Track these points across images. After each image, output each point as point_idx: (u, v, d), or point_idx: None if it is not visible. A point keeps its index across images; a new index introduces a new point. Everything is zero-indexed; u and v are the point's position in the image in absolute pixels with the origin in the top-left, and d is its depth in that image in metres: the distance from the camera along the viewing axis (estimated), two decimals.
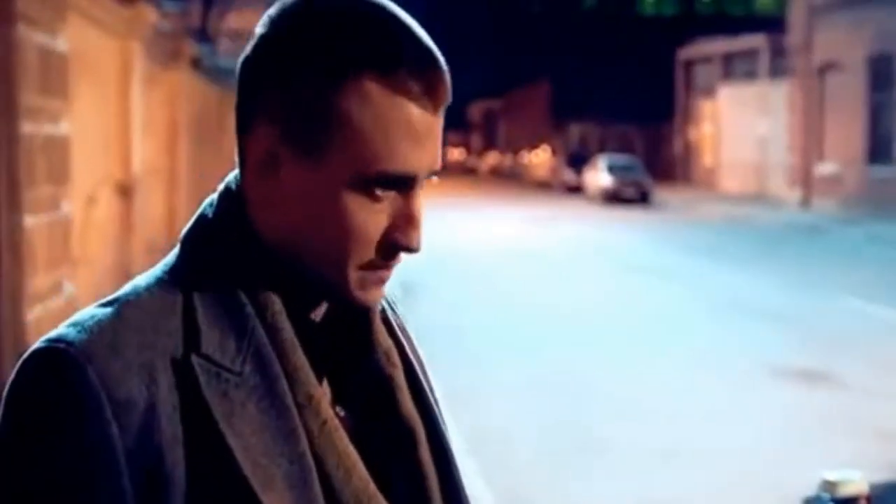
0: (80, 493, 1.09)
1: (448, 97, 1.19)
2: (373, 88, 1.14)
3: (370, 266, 1.19)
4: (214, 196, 1.26)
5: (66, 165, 7.31)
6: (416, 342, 1.41)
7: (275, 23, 1.19)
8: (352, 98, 1.14)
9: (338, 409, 1.22)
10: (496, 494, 6.75)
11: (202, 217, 1.25)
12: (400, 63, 1.15)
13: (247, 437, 1.13)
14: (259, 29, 1.21)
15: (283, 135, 1.17)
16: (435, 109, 1.18)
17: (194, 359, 1.14)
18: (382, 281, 1.22)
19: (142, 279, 1.22)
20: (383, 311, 1.32)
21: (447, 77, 1.19)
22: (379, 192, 1.17)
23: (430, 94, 1.17)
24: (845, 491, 3.48)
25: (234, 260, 1.20)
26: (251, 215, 1.21)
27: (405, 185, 1.18)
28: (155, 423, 1.11)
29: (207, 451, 1.12)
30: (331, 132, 1.15)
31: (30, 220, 6.40)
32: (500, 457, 7.63)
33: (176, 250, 1.24)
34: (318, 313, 1.23)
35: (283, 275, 1.20)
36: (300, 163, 1.17)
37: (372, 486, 1.20)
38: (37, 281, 6.55)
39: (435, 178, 1.22)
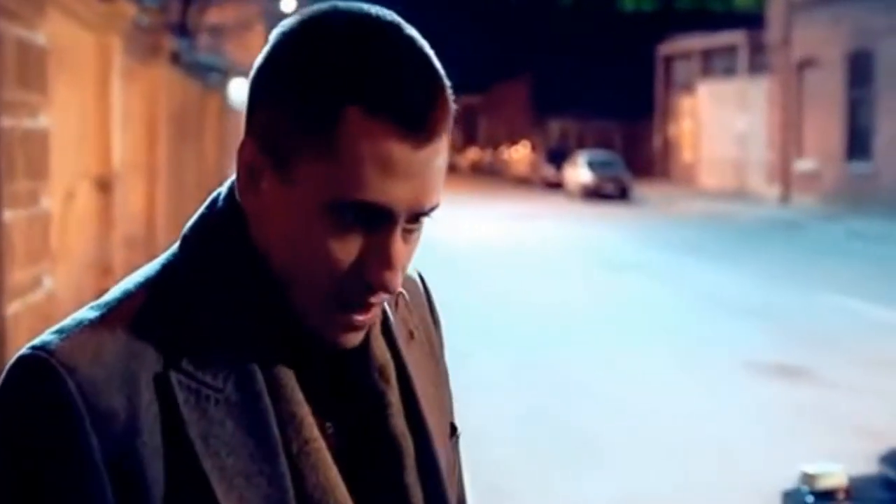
0: (59, 503, 1.09)
1: (441, 130, 1.14)
2: (352, 120, 1.11)
3: (342, 304, 1.16)
4: (220, 191, 1.24)
5: (45, 160, 7.27)
6: (435, 338, 1.39)
7: (276, 43, 1.17)
8: (329, 126, 1.11)
9: (327, 425, 1.20)
10: (478, 490, 6.74)
11: (205, 215, 1.23)
12: (383, 100, 1.11)
13: (223, 458, 1.12)
14: (267, 44, 1.20)
15: (262, 150, 1.16)
16: (420, 145, 1.12)
17: (173, 375, 1.12)
18: (356, 326, 1.18)
19: (132, 281, 1.20)
20: (385, 321, 1.29)
21: (442, 110, 1.15)
22: (351, 222, 1.13)
23: (415, 131, 1.12)
24: (824, 484, 3.50)
25: (229, 267, 1.19)
26: (250, 229, 1.20)
27: (380, 218, 1.13)
28: (136, 435, 1.09)
29: (183, 470, 1.10)
30: (304, 154, 1.13)
31: (8, 215, 6.37)
32: (482, 454, 7.62)
33: (175, 247, 1.22)
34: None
35: (274, 288, 1.18)
36: (277, 179, 1.15)
37: None
38: (16, 276, 6.52)
39: (427, 218, 1.18)
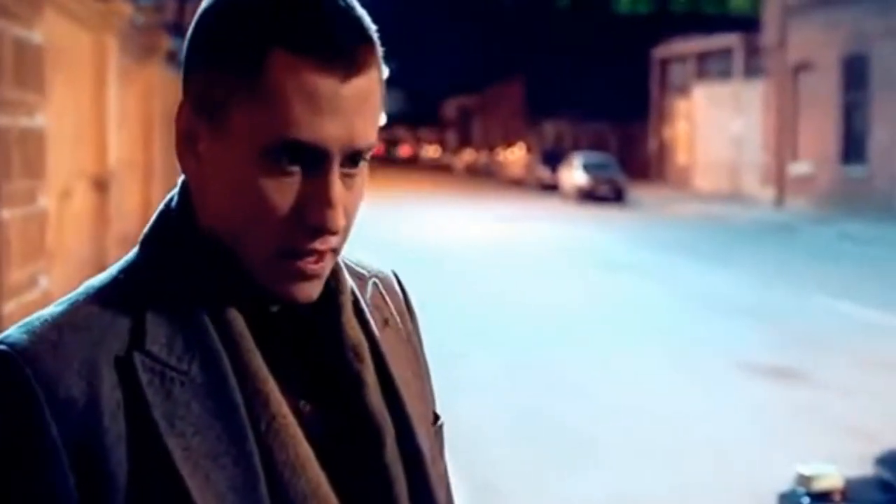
0: (21, 491, 1.09)
1: (366, 64, 1.16)
2: (277, 62, 1.13)
3: (289, 253, 1.16)
4: (174, 191, 1.26)
5: (41, 159, 7.27)
6: (412, 330, 1.38)
7: (202, 9, 1.20)
8: (256, 70, 1.13)
9: (302, 403, 1.19)
10: (473, 490, 6.75)
11: (160, 214, 1.25)
12: (305, 38, 1.13)
13: (188, 439, 1.11)
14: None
15: (196, 110, 1.18)
16: (346, 78, 1.14)
17: (137, 357, 1.13)
18: (306, 275, 1.18)
19: (96, 279, 1.22)
20: (356, 302, 1.28)
21: (367, 46, 1.16)
22: (287, 164, 1.14)
23: (339, 64, 1.13)
24: (820, 485, 3.51)
25: (184, 254, 1.20)
26: (194, 204, 1.22)
27: (314, 158, 1.14)
28: (97, 422, 1.10)
29: (148, 451, 1.11)
30: (234, 103, 1.15)
31: (5, 214, 6.36)
32: (477, 454, 7.63)
33: (135, 248, 1.24)
34: (277, 304, 1.21)
35: (228, 265, 1.19)
36: (212, 136, 1.17)
37: (323, 488, 1.16)
38: (12, 275, 6.52)
39: (363, 163, 1.19)
